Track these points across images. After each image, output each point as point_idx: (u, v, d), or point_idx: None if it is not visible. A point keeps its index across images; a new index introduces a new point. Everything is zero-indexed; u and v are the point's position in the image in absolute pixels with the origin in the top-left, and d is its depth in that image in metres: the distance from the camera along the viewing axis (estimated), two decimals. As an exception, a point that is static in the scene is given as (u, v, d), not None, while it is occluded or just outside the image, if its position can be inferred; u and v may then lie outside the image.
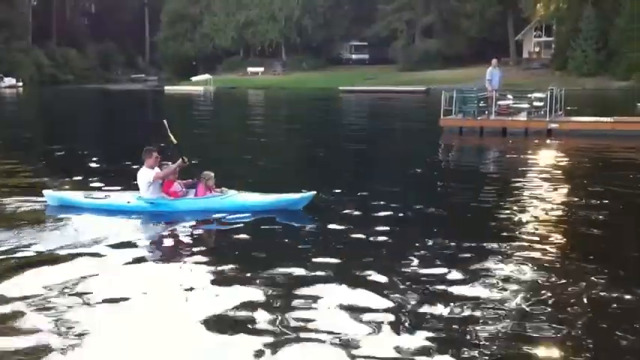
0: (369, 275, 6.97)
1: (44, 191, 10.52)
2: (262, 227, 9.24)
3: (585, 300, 6.34)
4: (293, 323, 5.76)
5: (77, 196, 10.35)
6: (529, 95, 23.90)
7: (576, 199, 11.32)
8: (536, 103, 22.90)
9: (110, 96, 60.84)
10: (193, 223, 9.43)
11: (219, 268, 7.29)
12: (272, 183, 12.30)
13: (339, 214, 9.84)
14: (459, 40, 70.52)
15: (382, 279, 6.86)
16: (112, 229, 8.97)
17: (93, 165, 15.48)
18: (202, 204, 9.88)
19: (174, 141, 9.97)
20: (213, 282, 6.90)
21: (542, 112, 22.33)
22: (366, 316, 5.87)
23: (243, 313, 6.01)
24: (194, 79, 71.17)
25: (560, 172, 14.97)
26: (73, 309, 6.11)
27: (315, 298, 6.32)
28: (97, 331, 5.64)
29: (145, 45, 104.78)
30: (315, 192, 10.08)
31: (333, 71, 76.11)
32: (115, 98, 58.05)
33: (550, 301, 6.31)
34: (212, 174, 10.11)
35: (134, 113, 40.74)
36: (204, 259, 7.72)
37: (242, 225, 9.25)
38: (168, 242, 8.85)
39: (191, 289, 6.67)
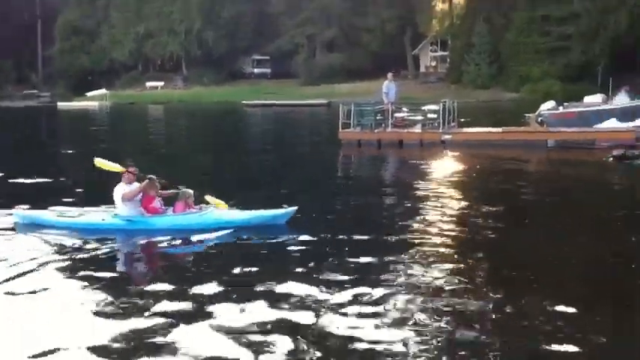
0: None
1: (14, 210, 10.15)
2: (241, 244, 9.02)
3: (476, 304, 6.37)
4: (270, 338, 5.66)
5: (49, 215, 9.97)
6: (423, 108, 24.50)
7: (468, 205, 11.57)
8: (430, 115, 23.50)
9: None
10: (171, 240, 9.14)
11: (196, 288, 7.00)
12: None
13: (317, 228, 9.61)
14: (360, 54, 71.81)
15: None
16: (85, 248, 8.66)
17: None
18: (180, 221, 9.60)
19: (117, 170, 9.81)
20: (189, 302, 6.60)
21: (436, 124, 22.93)
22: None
23: (220, 333, 5.82)
24: (89, 94, 68.63)
25: (452, 180, 15.33)
26: (41, 333, 5.88)
27: (296, 317, 6.17)
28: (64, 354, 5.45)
29: (37, 60, 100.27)
30: (296, 207, 9.95)
31: (234, 85, 75.56)
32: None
33: (447, 307, 6.35)
34: (191, 192, 9.91)
35: (21, 131, 38.69)
36: (181, 277, 7.46)
37: (221, 242, 9.07)
38: (144, 261, 8.65)
39: (165, 311, 6.35)
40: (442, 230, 9.67)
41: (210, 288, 7.00)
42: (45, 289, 7.07)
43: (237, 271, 7.64)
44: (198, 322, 6.06)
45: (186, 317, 6.19)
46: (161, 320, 6.11)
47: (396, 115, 23.62)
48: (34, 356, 5.43)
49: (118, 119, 48.30)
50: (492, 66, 59.27)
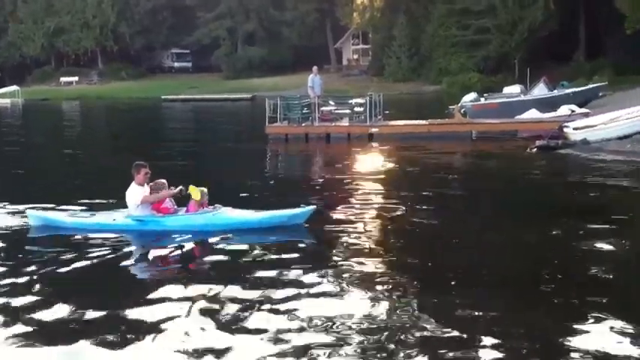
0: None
1: (27, 211, 9.97)
2: (257, 245, 8.58)
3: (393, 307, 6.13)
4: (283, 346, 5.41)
5: (61, 216, 9.90)
6: (350, 101, 24.38)
7: (397, 199, 11.39)
8: (356, 109, 23.39)
9: None
10: (183, 241, 8.87)
11: (209, 290, 6.74)
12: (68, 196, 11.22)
13: (341, 228, 9.28)
14: (281, 48, 71.37)
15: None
16: (96, 248, 8.46)
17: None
18: (192, 221, 9.26)
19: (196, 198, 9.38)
20: (201, 305, 6.36)
21: (363, 117, 22.86)
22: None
23: (232, 337, 5.64)
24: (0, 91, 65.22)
25: (381, 173, 15.26)
26: (53, 334, 5.79)
27: (308, 323, 5.88)
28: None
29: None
30: (314, 206, 9.60)
31: (154, 80, 73.55)
32: None
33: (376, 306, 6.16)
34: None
35: None
36: (193, 280, 7.20)
37: (235, 243, 8.71)
38: (156, 261, 8.37)
39: (176, 314, 6.14)
40: (370, 226, 9.57)
41: (222, 290, 6.75)
42: (56, 290, 6.99)
43: (249, 273, 7.35)
44: (208, 324, 5.91)
45: (197, 319, 6.04)
46: (172, 323, 5.96)
47: (323, 108, 23.41)
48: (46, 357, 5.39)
49: (32, 117, 46.01)
50: (413, 59, 60.06)
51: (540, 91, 28.11)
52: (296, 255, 8.14)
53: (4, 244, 8.86)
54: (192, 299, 6.51)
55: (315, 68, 24.16)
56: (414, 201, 11.38)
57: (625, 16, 38.58)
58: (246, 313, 6.13)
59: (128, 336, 5.70)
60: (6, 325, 6.01)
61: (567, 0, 51.52)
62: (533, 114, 23.20)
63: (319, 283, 6.97)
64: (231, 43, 74.24)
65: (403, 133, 22.31)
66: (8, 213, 10.57)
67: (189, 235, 9.01)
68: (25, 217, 9.94)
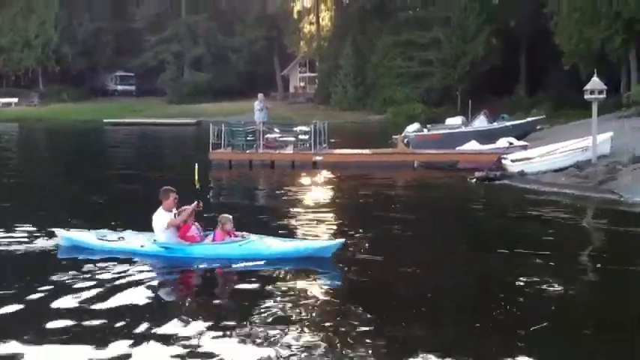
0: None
1: (57, 231, 10.05)
2: (285, 277, 8.52)
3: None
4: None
5: (90, 238, 9.92)
6: (295, 129, 24.42)
7: (340, 227, 11.38)
8: (301, 137, 23.44)
9: None
10: (210, 270, 8.91)
11: (233, 324, 6.69)
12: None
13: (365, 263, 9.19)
14: (228, 74, 71.16)
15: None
16: (123, 274, 8.46)
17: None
18: (220, 250, 9.20)
19: (198, 186, 9.68)
20: (224, 340, 6.31)
21: (308, 145, 22.91)
22: None
23: None
24: None
25: (325, 201, 15.27)
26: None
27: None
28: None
29: None
30: (343, 240, 9.43)
31: (96, 102, 72.02)
32: None
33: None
34: (230, 217, 9.47)
35: None
36: (218, 311, 7.23)
37: (262, 274, 8.56)
38: (181, 291, 8.37)
39: (199, 345, 6.12)
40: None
41: (244, 322, 6.72)
42: (80, 312, 7.05)
43: (275, 306, 7.31)
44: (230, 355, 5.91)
45: (219, 350, 6.03)
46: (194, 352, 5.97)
47: (268, 135, 23.38)
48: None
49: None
50: (359, 88, 60.76)
51: (481, 123, 28.80)
52: (318, 288, 8.14)
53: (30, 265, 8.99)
54: (215, 329, 6.51)
55: (260, 95, 24.21)
56: (358, 229, 11.40)
57: (563, 52, 40.10)
58: (264, 346, 6.12)
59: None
60: (27, 339, 6.19)
61: (509, 36, 53.28)
62: (473, 145, 23.69)
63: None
64: (177, 67, 73.68)
65: (347, 161, 22.44)
66: None
67: (216, 264, 8.99)
68: (54, 236, 10.03)
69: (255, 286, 8.17)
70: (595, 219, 13.22)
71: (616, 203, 14.16)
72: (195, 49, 72.85)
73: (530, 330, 6.46)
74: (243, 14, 70.18)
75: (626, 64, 38.54)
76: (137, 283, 8.18)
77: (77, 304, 7.33)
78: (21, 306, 7.27)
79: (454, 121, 30.42)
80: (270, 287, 8.06)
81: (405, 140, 26.14)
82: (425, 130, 28.76)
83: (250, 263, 8.90)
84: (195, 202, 9.42)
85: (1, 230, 10.78)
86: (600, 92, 18.35)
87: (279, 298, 7.57)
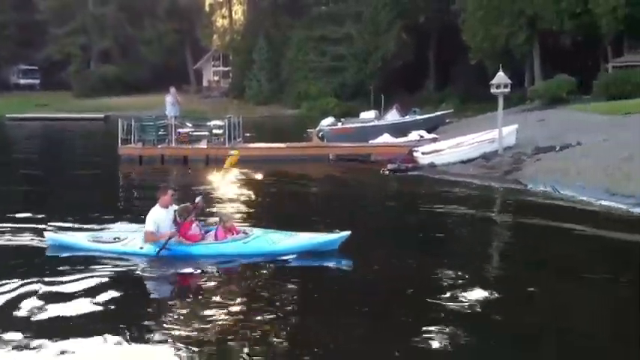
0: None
1: (45, 233, 9.53)
2: (291, 273, 8.26)
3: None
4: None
5: (82, 240, 9.31)
6: (208, 123, 24.05)
7: (256, 223, 11.27)
8: (215, 131, 23.11)
9: None
10: (213, 270, 8.46)
11: (243, 323, 6.51)
12: None
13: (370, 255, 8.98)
14: (138, 67, 69.28)
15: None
16: (120, 277, 8.02)
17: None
18: (223, 249, 8.83)
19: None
20: (230, 338, 6.14)
21: (222, 140, 22.62)
22: None
23: None
24: None
25: (240, 197, 15.08)
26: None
27: None
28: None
29: None
30: (349, 232, 8.97)
31: (-2, 97, 68.59)
32: None
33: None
34: (230, 214, 9.16)
35: None
36: (225, 312, 6.87)
37: (267, 271, 8.28)
38: (185, 294, 7.86)
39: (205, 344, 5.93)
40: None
41: (250, 322, 6.54)
42: (74, 321, 6.64)
43: (280, 303, 7.12)
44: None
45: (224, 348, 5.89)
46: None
47: (180, 130, 22.91)
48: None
49: None
50: (273, 82, 60.63)
51: (393, 117, 29.38)
52: (327, 282, 8.00)
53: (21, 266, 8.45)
54: (221, 330, 6.35)
55: (172, 89, 23.62)
56: (273, 222, 11.28)
57: (470, 48, 41.42)
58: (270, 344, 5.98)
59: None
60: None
61: (419, 31, 54.53)
62: (386, 138, 24.10)
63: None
64: (84, 60, 71.09)
65: (262, 155, 22.31)
66: None
67: (219, 263, 8.63)
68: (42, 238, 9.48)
69: (260, 283, 7.94)
70: (501, 208, 13.71)
71: (520, 192, 14.73)
72: (103, 41, 70.49)
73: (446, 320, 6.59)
74: (153, 6, 68.44)
75: (529, 59, 40.27)
76: (135, 285, 7.90)
77: (74, 309, 6.94)
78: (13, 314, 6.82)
79: (367, 115, 30.87)
80: (276, 283, 7.88)
81: (320, 134, 26.29)
82: (339, 124, 29.03)
83: (256, 260, 8.61)
84: (199, 199, 9.19)
85: None
86: (505, 86, 19.03)
87: (285, 295, 7.44)
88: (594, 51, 40.15)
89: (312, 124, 30.23)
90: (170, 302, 7.49)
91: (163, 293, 7.95)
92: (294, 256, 8.79)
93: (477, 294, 7.34)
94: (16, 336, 6.18)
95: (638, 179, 13.09)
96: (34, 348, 5.93)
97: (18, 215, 11.70)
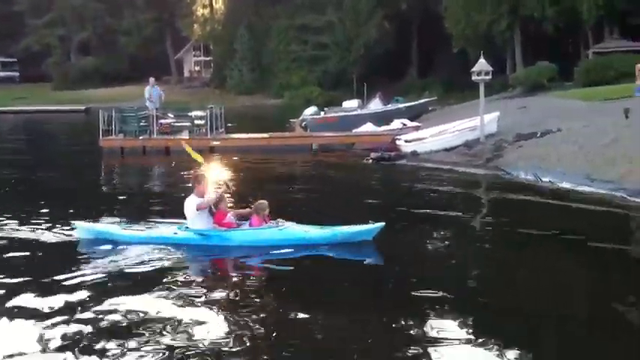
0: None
1: (75, 223, 9.43)
2: (325, 262, 8.25)
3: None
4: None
5: (114, 228, 9.26)
6: (190, 114, 23.88)
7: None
8: (197, 122, 22.96)
9: None
10: (250, 256, 8.53)
11: (279, 310, 6.57)
12: None
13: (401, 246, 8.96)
14: (118, 58, 68.71)
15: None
16: (156, 264, 8.05)
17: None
18: (258, 235, 8.81)
19: (201, 161, 9.49)
20: (272, 326, 6.14)
21: (204, 130, 22.50)
22: None
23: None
24: None
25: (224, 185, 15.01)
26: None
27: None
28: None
29: None
30: (383, 223, 8.88)
31: (-25, 90, 67.72)
32: None
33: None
34: (266, 203, 9.07)
35: None
36: (263, 299, 6.97)
37: (303, 259, 8.32)
38: (222, 279, 7.96)
39: (246, 334, 5.91)
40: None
41: (284, 311, 6.54)
42: (108, 308, 6.57)
43: (316, 293, 7.16)
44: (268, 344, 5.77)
45: (257, 337, 5.88)
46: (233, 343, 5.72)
47: (161, 121, 22.75)
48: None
49: None
50: (255, 72, 60.40)
51: (376, 105, 29.34)
52: (361, 272, 7.96)
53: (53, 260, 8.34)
54: (260, 317, 6.35)
55: (152, 79, 23.39)
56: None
57: (452, 35, 41.49)
58: (312, 336, 5.97)
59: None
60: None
61: (401, 19, 54.52)
62: (369, 127, 24.07)
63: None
64: (63, 51, 70.32)
65: (245, 146, 22.24)
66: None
67: (254, 250, 8.64)
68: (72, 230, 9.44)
69: (295, 272, 7.95)
70: (484, 194, 13.79)
71: (502, 179, 14.81)
72: (82, 32, 69.79)
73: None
74: (132, -4, 67.88)
75: (511, 46, 40.42)
76: (172, 272, 7.84)
77: (110, 300, 6.84)
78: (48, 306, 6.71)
79: (350, 104, 30.80)
80: (312, 273, 7.91)
81: (303, 124, 26.21)
82: (322, 114, 28.96)
83: (291, 249, 8.59)
84: (224, 185, 9.22)
85: None
86: (487, 74, 19.06)
87: (318, 285, 7.44)
88: (575, 37, 40.41)
89: (294, 113, 30.15)
90: (204, 288, 7.51)
91: (198, 279, 7.94)
92: (326, 246, 8.78)
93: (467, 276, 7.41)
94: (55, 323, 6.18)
95: (618, 165, 13.20)
96: (77, 340, 5.85)
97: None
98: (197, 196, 9.00)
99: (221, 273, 8.39)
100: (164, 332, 5.95)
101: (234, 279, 7.93)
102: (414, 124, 24.28)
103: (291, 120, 27.66)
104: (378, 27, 53.07)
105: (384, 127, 23.79)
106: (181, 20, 66.67)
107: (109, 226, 9.53)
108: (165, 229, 9.24)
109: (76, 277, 7.65)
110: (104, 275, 7.73)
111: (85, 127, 36.01)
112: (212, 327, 6.10)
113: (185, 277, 7.74)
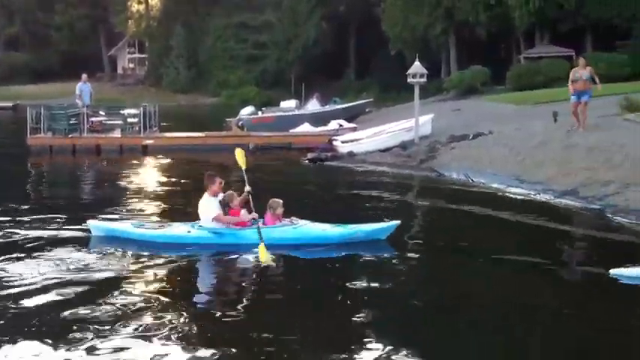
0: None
1: (88, 221, 9.35)
2: (341, 260, 8.27)
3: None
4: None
5: (127, 227, 9.22)
6: (122, 112, 23.31)
7: (175, 214, 10.96)
8: (130, 120, 22.44)
9: None
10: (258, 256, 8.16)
11: (297, 310, 6.52)
12: None
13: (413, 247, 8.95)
14: (48, 54, 66.51)
15: None
16: (170, 263, 8.00)
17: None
18: (274, 234, 8.64)
19: (243, 166, 9.39)
20: (286, 326, 6.06)
21: (137, 129, 21.99)
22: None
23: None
24: None
25: (155, 188, 14.74)
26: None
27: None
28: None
29: None
30: (398, 221, 8.95)
31: None
32: None
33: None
34: (280, 201, 8.99)
35: None
36: (282, 296, 7.00)
37: (319, 258, 8.35)
38: (238, 277, 7.95)
39: (261, 335, 5.80)
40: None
41: (300, 309, 6.53)
42: (124, 306, 6.43)
43: (331, 291, 7.10)
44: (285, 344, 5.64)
45: (271, 340, 5.74)
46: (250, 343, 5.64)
47: (92, 119, 22.12)
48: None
49: None
50: (192, 70, 59.57)
51: (313, 106, 29.40)
52: (376, 270, 7.90)
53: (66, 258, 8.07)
54: (272, 316, 6.31)
55: (84, 76, 22.81)
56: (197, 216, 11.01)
57: (390, 38, 41.97)
58: (324, 336, 5.90)
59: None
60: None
61: (339, 20, 54.80)
62: (306, 128, 24.07)
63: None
64: (-9, 46, 67.67)
65: (179, 145, 21.86)
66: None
67: (269, 248, 8.26)
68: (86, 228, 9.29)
69: (313, 270, 7.96)
70: (415, 194, 13.94)
71: (434, 180, 15.02)
72: (10, 27, 67.24)
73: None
74: (64, -10, 65.83)
75: (446, 50, 41.20)
76: (184, 271, 7.81)
77: (126, 298, 6.72)
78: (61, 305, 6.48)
79: (288, 104, 30.77)
80: (328, 272, 7.87)
81: (240, 123, 25.94)
82: (259, 113, 28.80)
83: (306, 247, 8.55)
84: (245, 193, 8.96)
85: None
86: (422, 76, 19.33)
87: (335, 284, 7.36)
88: (508, 43, 41.53)
89: (231, 113, 29.85)
90: (217, 286, 7.58)
91: (211, 278, 7.95)
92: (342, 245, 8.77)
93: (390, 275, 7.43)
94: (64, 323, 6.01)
95: (546, 167, 13.56)
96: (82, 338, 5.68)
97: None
98: (210, 194, 8.96)
99: (234, 272, 8.30)
100: (175, 330, 5.89)
101: (247, 278, 7.92)
102: (351, 125, 24.43)
103: (227, 119, 27.36)
104: (317, 27, 53.19)
105: (321, 128, 23.84)
106: (115, 16, 65.09)
107: (123, 224, 9.50)
108: (179, 227, 9.12)
109: (87, 275, 7.52)
110: (115, 273, 7.63)
111: (12, 125, 34.67)
112: (223, 327, 6.12)
113: (196, 276, 7.79)
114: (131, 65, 70.36)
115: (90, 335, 5.70)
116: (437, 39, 39.55)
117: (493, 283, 7.58)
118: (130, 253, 8.43)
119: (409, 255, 8.66)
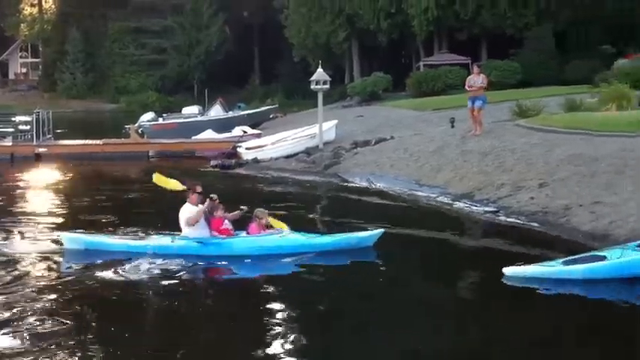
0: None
1: (62, 234, 9.08)
2: (327, 269, 8.25)
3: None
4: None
5: (105, 238, 9.07)
6: (14, 119, 22.25)
7: (66, 227, 10.46)
8: (22, 127, 21.45)
9: None
10: (249, 264, 8.41)
11: (283, 320, 6.42)
12: None
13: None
14: None
15: None
16: (154, 274, 7.84)
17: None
18: (259, 242, 8.65)
19: (171, 187, 9.23)
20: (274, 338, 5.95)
21: (30, 136, 21.02)
22: None
23: None
24: None
25: (48, 199, 14.12)
26: None
27: None
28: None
29: None
30: (383, 230, 8.99)
31: None
32: None
33: None
34: (266, 212, 9.00)
35: None
36: (268, 307, 6.85)
37: (304, 267, 8.22)
38: (219, 287, 7.99)
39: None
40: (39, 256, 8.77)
41: (287, 318, 6.49)
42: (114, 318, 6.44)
43: (316, 300, 7.10)
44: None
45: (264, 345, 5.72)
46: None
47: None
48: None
49: None
50: (89, 75, 57.44)
51: (216, 112, 28.95)
52: (365, 278, 7.91)
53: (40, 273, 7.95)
54: (263, 325, 6.22)
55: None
56: (93, 227, 10.55)
57: (293, 45, 42.11)
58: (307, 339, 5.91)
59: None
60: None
61: (242, 26, 54.45)
62: (209, 134, 23.72)
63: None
64: None
65: (75, 153, 21.04)
66: None
67: (254, 258, 8.49)
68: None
69: (299, 279, 7.92)
70: (317, 200, 14.01)
71: (337, 185, 15.16)
72: None
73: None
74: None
75: (349, 57, 41.77)
76: (168, 281, 7.68)
77: (108, 310, 6.72)
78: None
79: (190, 110, 30.22)
80: (314, 281, 7.84)
81: (140, 130, 25.25)
82: (160, 120, 28.12)
83: (291, 256, 8.49)
84: (208, 200, 8.87)
85: None
86: (325, 83, 19.46)
87: (320, 293, 7.40)
88: (408, 50, 42.61)
89: (131, 119, 28.98)
90: (201, 297, 7.56)
91: (194, 288, 7.85)
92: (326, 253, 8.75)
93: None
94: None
95: (443, 171, 13.95)
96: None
97: None
98: (191, 203, 8.82)
99: (218, 281, 8.28)
100: (159, 340, 5.97)
101: (232, 287, 7.94)
102: (255, 131, 24.28)
103: (127, 126, 26.52)
104: (220, 32, 52.65)
105: (224, 135, 23.54)
106: (6, 19, 61.86)
107: (98, 236, 9.26)
108: (161, 238, 8.92)
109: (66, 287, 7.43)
110: (99, 286, 7.53)
111: None
112: (208, 336, 6.11)
113: (181, 286, 7.63)
114: (23, 70, 67.09)
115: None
116: (339, 46, 40.03)
117: (384, 285, 7.74)
118: (110, 265, 8.21)
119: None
